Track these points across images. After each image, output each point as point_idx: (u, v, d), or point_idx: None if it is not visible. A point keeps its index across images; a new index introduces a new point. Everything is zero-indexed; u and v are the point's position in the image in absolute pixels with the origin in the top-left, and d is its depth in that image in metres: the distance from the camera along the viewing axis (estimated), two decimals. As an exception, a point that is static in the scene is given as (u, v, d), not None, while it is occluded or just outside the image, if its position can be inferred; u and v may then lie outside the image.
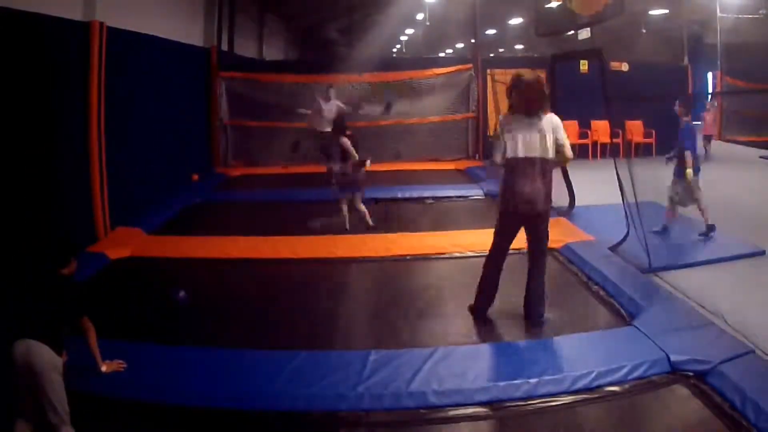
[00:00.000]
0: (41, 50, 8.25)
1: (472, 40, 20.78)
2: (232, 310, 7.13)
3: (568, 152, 6.57)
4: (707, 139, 18.88)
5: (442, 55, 41.26)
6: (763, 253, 8.61)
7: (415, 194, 13.63)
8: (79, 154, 9.25)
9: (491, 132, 18.03)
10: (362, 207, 10.50)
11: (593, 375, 5.32)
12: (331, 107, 15.22)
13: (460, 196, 13.56)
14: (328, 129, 14.87)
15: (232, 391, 5.19)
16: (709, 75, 24.45)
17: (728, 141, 19.47)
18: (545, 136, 6.40)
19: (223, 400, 5.10)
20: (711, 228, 9.53)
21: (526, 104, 6.41)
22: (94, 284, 7.89)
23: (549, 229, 7.01)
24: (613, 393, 5.23)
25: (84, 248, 8.86)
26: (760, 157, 17.62)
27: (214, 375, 5.43)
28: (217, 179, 15.82)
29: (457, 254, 9.19)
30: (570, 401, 5.14)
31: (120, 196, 10.02)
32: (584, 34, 10.85)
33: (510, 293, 7.55)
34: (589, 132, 19.06)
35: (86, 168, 9.34)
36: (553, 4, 12.26)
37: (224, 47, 18.24)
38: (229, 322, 6.84)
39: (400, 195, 13.54)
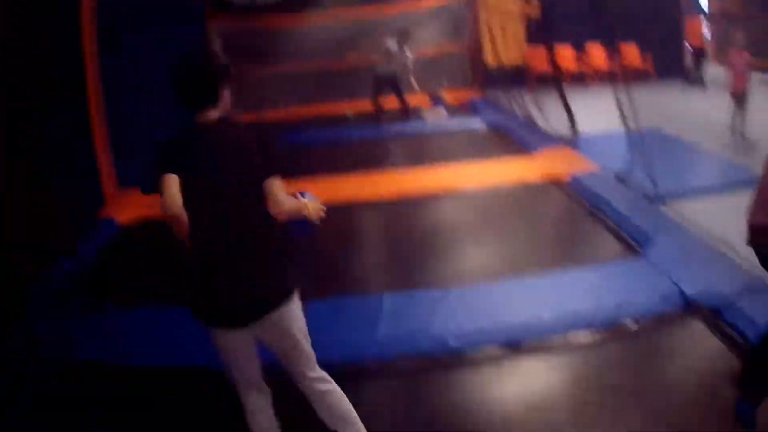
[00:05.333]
0: (36, 16, 8.08)
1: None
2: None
3: None
4: (698, 53, 18.54)
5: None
6: (771, 179, 8.49)
7: (418, 129, 13.64)
8: (81, 115, 9.07)
9: (488, 60, 17.98)
10: None
11: (608, 310, 5.34)
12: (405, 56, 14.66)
13: (462, 129, 13.54)
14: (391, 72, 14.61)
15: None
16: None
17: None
18: None
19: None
20: None
21: None
22: (105, 253, 7.85)
23: None
24: (628, 328, 5.25)
25: (92, 213, 8.79)
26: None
27: None
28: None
29: (463, 189, 9.20)
30: (585, 337, 5.17)
31: (125, 156, 9.84)
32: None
33: (519, 228, 7.59)
34: (583, 56, 18.83)
35: (88, 130, 9.17)
36: None
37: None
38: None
39: (402, 131, 13.56)
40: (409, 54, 14.28)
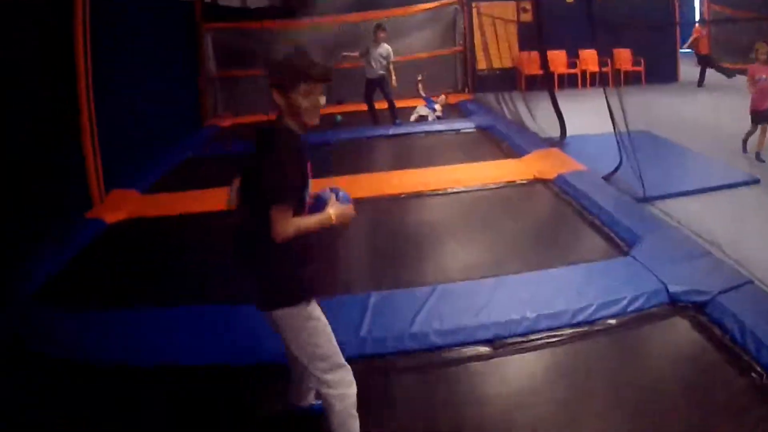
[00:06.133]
0: (26, 19, 8.01)
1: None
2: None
3: None
4: (704, 60, 18.71)
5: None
6: (758, 181, 8.55)
7: (405, 131, 13.62)
8: (70, 120, 8.88)
9: (479, 65, 18.07)
10: None
11: (593, 308, 5.31)
12: (382, 53, 14.28)
13: (451, 130, 13.49)
14: (377, 75, 14.39)
15: (239, 347, 5.09)
16: (696, 1, 24.30)
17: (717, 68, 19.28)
18: None
19: (227, 356, 5.02)
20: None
21: None
22: (92, 251, 7.73)
23: None
24: (613, 326, 5.22)
25: (81, 214, 8.67)
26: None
27: (219, 331, 5.33)
28: (208, 132, 15.52)
29: (451, 189, 9.18)
30: (570, 335, 5.14)
31: (113, 158, 9.71)
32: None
33: (506, 227, 7.57)
34: (577, 61, 18.94)
35: (77, 133, 9.02)
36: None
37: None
38: (232, 275, 6.59)
39: (391, 132, 13.53)
40: (386, 48, 14.23)
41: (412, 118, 15.03)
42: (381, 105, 14.83)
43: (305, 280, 3.56)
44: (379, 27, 14.27)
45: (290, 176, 3.34)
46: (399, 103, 15.06)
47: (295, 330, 3.54)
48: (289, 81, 3.34)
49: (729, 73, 18.16)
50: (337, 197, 3.61)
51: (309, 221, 3.45)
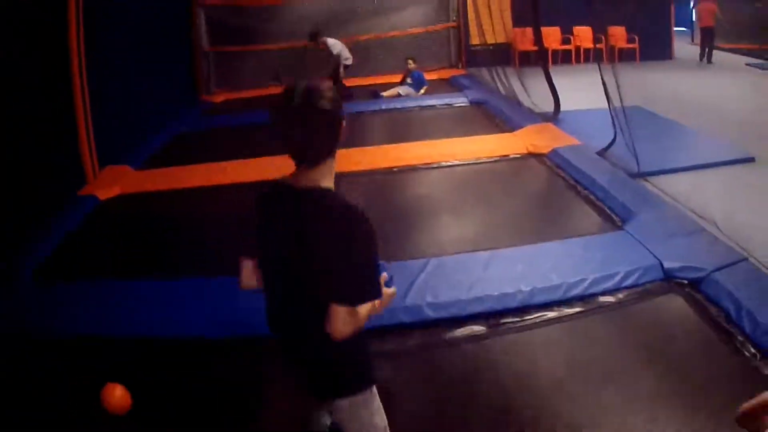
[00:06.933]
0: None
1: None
2: (226, 237, 6.91)
3: None
4: (706, 33, 18.69)
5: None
6: (752, 159, 8.50)
7: (400, 105, 13.55)
8: (63, 95, 8.82)
9: (473, 40, 18.01)
10: None
11: (588, 282, 5.30)
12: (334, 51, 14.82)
13: (445, 105, 13.44)
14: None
15: (236, 318, 5.05)
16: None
17: (714, 48, 19.24)
18: None
19: (225, 328, 5.02)
20: None
21: None
22: (86, 228, 7.68)
23: None
24: (608, 300, 5.21)
25: (74, 192, 8.62)
26: (746, 64, 17.52)
27: (216, 305, 5.31)
28: (202, 107, 15.45)
29: (445, 163, 9.14)
30: (564, 309, 5.13)
31: (106, 134, 9.62)
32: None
33: (500, 201, 7.55)
34: (571, 37, 18.88)
35: (70, 110, 8.92)
36: None
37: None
38: (226, 248, 6.57)
39: (384, 107, 13.46)
40: (331, 42, 14.69)
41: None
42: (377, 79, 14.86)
43: (368, 356, 2.88)
44: (312, 38, 14.86)
45: (374, 266, 2.59)
46: (396, 77, 15.53)
47: (362, 421, 2.83)
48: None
49: (709, 57, 18.22)
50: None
51: (367, 309, 2.58)
